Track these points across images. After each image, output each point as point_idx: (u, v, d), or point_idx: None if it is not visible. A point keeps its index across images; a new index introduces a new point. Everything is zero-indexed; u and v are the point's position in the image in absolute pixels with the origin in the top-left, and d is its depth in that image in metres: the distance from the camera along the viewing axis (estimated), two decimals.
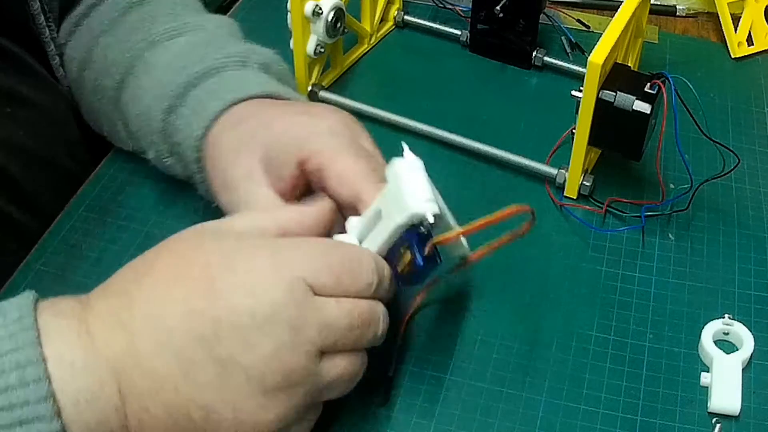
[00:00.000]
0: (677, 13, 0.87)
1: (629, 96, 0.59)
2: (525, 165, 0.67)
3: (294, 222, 0.48)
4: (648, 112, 0.59)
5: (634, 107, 0.59)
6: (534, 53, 0.78)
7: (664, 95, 0.59)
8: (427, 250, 0.47)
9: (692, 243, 0.62)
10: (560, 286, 0.59)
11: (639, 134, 0.60)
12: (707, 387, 0.53)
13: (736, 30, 0.82)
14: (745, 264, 0.61)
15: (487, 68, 0.79)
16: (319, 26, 0.69)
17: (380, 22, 0.82)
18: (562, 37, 0.82)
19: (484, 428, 0.51)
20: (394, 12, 0.84)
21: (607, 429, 0.51)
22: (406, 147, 0.49)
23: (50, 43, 0.65)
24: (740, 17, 0.82)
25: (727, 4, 0.82)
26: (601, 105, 0.59)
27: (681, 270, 0.60)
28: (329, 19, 0.69)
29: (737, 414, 0.51)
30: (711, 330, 0.55)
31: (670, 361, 0.54)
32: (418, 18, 0.84)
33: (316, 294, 0.44)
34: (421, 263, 0.47)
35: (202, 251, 0.45)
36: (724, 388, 0.52)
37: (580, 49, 0.81)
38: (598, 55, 0.57)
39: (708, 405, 0.52)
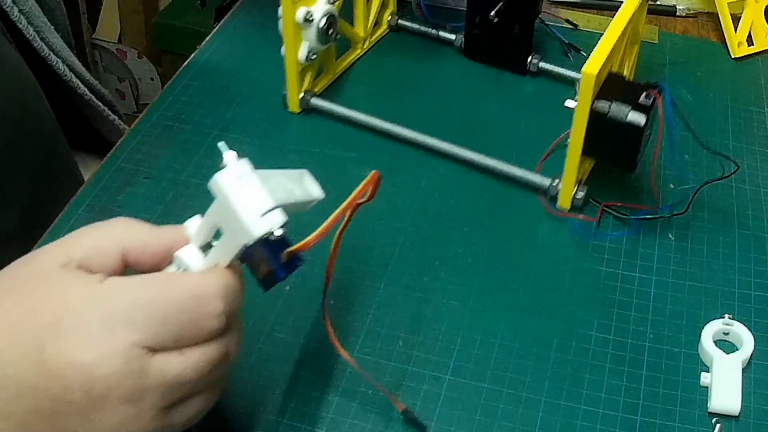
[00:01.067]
0: (677, 13, 0.87)
1: (624, 107, 0.58)
2: (518, 176, 0.66)
3: (139, 244, 0.44)
4: (642, 123, 0.58)
5: (628, 119, 0.58)
6: (529, 59, 0.77)
7: (660, 106, 0.58)
8: (284, 258, 0.42)
9: (692, 243, 0.62)
10: (560, 287, 0.59)
11: (633, 145, 0.60)
12: (707, 387, 0.53)
13: (736, 30, 0.82)
14: (745, 264, 0.61)
15: (482, 74, 0.78)
16: (311, 33, 0.68)
17: (374, 26, 0.81)
18: (557, 40, 0.81)
19: (484, 428, 0.51)
20: (387, 16, 0.83)
21: (607, 429, 0.51)
22: (224, 150, 0.42)
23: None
24: (740, 17, 0.82)
25: (727, 4, 0.82)
26: (595, 116, 0.58)
27: (681, 270, 0.60)
28: (321, 25, 0.68)
29: (737, 414, 0.51)
30: (711, 330, 0.55)
31: (670, 361, 0.54)
32: (413, 22, 0.83)
33: (156, 351, 0.40)
34: (282, 274, 0.42)
35: (29, 310, 0.40)
36: (724, 388, 0.52)
37: (575, 48, 0.81)
38: (593, 65, 0.56)
39: (708, 405, 0.52)
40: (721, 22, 0.82)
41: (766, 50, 0.83)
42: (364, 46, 0.81)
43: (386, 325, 0.56)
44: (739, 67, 0.81)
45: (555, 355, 0.55)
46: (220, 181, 0.41)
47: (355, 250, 0.61)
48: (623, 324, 0.57)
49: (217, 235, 0.43)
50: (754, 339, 0.54)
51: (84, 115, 0.79)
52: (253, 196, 0.41)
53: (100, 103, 0.79)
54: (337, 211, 0.44)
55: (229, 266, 0.43)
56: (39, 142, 0.69)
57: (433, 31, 0.81)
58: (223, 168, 0.42)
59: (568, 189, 0.63)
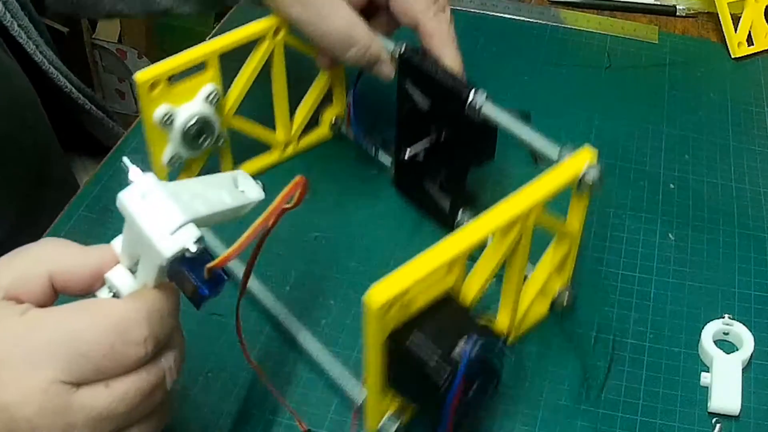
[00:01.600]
0: (677, 13, 0.87)
1: (429, 352, 0.42)
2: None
3: (66, 268, 0.42)
4: (440, 384, 0.42)
5: (427, 371, 0.42)
6: (458, 215, 0.60)
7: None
8: (206, 275, 0.40)
9: (692, 243, 0.62)
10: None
11: (434, 397, 0.42)
12: (707, 387, 0.53)
13: (736, 30, 0.82)
14: (745, 264, 0.61)
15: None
16: (174, 136, 0.56)
17: (309, 127, 0.67)
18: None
19: (484, 428, 0.51)
20: (331, 117, 0.68)
21: (607, 429, 0.51)
22: (128, 165, 0.41)
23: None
24: (740, 17, 0.82)
25: (727, 4, 0.82)
26: (392, 349, 0.43)
27: (681, 270, 0.60)
28: (185, 131, 0.56)
29: (737, 414, 0.51)
30: (711, 330, 0.55)
31: (670, 361, 0.54)
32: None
33: (80, 386, 0.39)
34: (206, 292, 0.40)
35: None
36: (724, 388, 0.52)
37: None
38: (380, 292, 0.39)
39: (708, 405, 0.52)
40: (721, 22, 0.82)
41: (766, 50, 0.83)
42: (286, 151, 0.66)
43: None
44: (739, 67, 0.81)
45: (555, 355, 0.55)
46: (124, 201, 0.39)
47: (354, 250, 0.61)
48: (623, 324, 0.57)
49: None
50: (754, 339, 0.54)
51: (80, 121, 0.79)
52: (160, 214, 0.39)
53: (99, 112, 0.79)
54: (260, 218, 0.41)
55: (160, 286, 0.41)
56: (32, 151, 0.70)
57: (372, 148, 0.66)
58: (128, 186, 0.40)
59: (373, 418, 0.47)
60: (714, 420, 0.51)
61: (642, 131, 0.72)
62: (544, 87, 0.77)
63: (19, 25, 0.69)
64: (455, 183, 0.58)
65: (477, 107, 0.53)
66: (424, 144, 0.57)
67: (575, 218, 0.51)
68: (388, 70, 0.57)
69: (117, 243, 0.42)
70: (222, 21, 0.85)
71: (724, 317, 0.56)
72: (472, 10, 0.86)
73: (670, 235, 0.63)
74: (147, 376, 0.40)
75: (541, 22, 0.85)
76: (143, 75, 0.53)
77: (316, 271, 0.59)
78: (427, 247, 0.42)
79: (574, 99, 0.76)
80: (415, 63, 0.56)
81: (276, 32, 0.59)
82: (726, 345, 0.55)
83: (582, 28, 0.84)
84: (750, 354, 0.54)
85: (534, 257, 0.50)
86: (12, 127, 0.67)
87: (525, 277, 0.51)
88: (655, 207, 0.65)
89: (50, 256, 0.42)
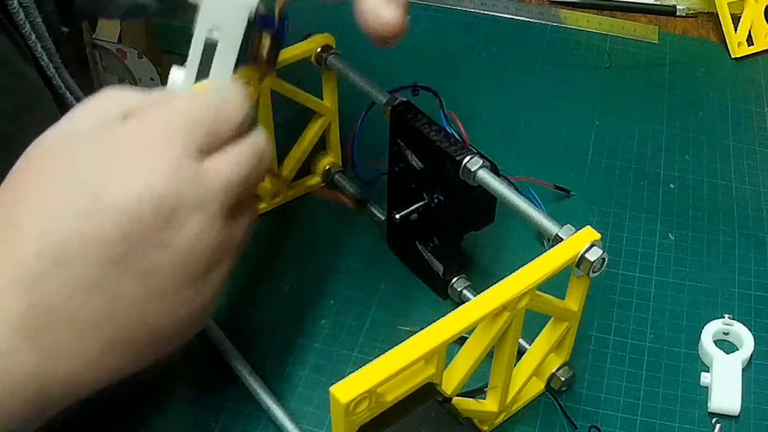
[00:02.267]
0: (677, 13, 0.87)
1: None
2: None
3: (139, 101, 0.44)
4: None
5: None
6: (451, 283, 0.56)
7: None
8: (277, 21, 0.45)
9: (692, 243, 0.62)
10: (559, 287, 0.59)
11: None
12: (707, 387, 0.53)
13: (736, 30, 0.82)
14: (745, 264, 0.61)
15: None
16: None
17: (301, 176, 0.64)
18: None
19: None
20: (324, 165, 0.64)
21: (607, 429, 0.51)
22: None
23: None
24: (740, 17, 0.82)
25: (727, 4, 0.82)
26: None
27: (681, 270, 0.60)
28: None
29: (737, 414, 0.51)
30: (711, 330, 0.55)
31: (670, 361, 0.54)
32: (351, 182, 0.64)
33: (203, 157, 0.41)
34: (283, 33, 0.46)
35: (65, 163, 0.40)
36: (724, 388, 0.52)
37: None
38: (347, 389, 0.38)
39: (708, 405, 0.52)
40: (721, 22, 0.82)
41: (766, 50, 0.83)
42: (274, 201, 0.63)
43: (386, 325, 0.56)
44: (739, 67, 0.81)
45: None
46: None
47: (354, 249, 0.61)
48: (623, 324, 0.57)
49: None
50: (754, 339, 0.54)
51: None
52: None
53: None
54: None
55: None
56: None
57: (368, 201, 0.63)
58: None
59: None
60: (714, 420, 0.51)
61: (642, 131, 0.72)
62: (544, 87, 0.77)
63: (42, 47, 0.70)
64: (450, 248, 0.55)
65: (472, 171, 0.50)
66: (416, 207, 0.54)
67: (574, 299, 0.48)
68: None
69: (174, 75, 0.45)
70: None
71: (724, 317, 0.56)
72: (472, 10, 0.86)
73: (670, 235, 0.63)
74: (250, 141, 0.43)
75: (541, 22, 0.85)
76: None
77: (316, 271, 0.59)
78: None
79: (574, 99, 0.76)
80: (409, 120, 0.53)
81: (261, 78, 0.56)
82: (726, 345, 0.55)
83: (582, 28, 0.84)
84: (750, 354, 0.54)
85: (535, 323, 0.48)
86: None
87: (521, 353, 0.49)
88: (655, 207, 0.65)
89: (121, 95, 0.43)
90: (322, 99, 0.61)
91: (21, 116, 0.58)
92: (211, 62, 0.45)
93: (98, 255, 0.38)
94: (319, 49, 0.58)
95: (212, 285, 0.42)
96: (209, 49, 0.45)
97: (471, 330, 0.42)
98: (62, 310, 0.38)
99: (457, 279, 0.56)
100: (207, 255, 0.40)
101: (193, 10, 0.56)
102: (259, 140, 0.43)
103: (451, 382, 0.43)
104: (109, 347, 0.39)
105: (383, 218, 0.61)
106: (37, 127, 0.48)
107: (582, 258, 0.44)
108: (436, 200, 0.53)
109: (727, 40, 0.82)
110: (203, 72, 0.45)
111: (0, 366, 0.37)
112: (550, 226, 0.46)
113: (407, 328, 0.55)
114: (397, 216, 0.54)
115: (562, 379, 0.51)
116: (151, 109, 0.41)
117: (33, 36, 0.67)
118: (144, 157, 0.39)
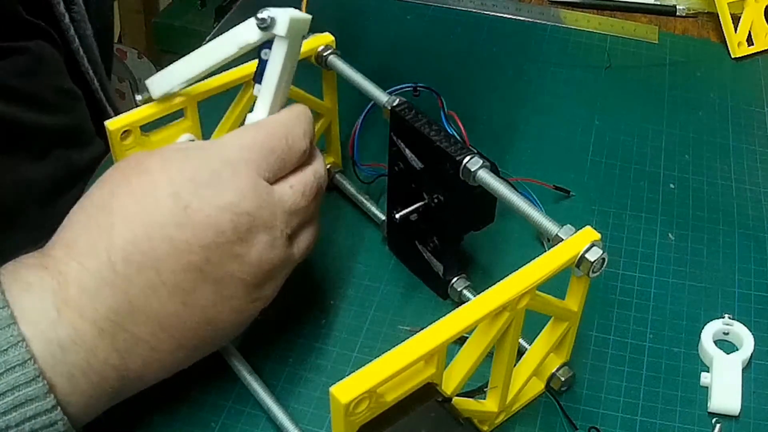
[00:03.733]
0: (677, 13, 0.87)
1: None
2: None
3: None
4: None
5: None
6: (451, 283, 0.56)
7: None
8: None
9: (692, 243, 0.62)
10: (559, 287, 0.59)
11: None
12: (707, 387, 0.53)
13: (736, 30, 0.82)
14: (745, 264, 0.61)
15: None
16: None
17: None
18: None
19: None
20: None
21: (607, 429, 0.51)
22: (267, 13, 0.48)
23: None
24: (740, 17, 0.82)
25: (727, 4, 0.82)
26: None
27: (681, 270, 0.60)
28: None
29: (737, 414, 0.51)
30: (711, 330, 0.55)
31: (670, 361, 0.54)
32: (352, 184, 0.64)
33: (272, 182, 0.46)
34: None
35: (159, 177, 0.44)
36: (724, 388, 0.52)
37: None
38: (347, 389, 0.37)
39: (708, 405, 0.52)
40: (721, 22, 0.82)
41: (766, 50, 0.83)
42: None
43: (386, 325, 0.56)
44: (739, 67, 0.81)
45: None
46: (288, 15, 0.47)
47: (354, 249, 0.61)
48: (623, 324, 0.57)
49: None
50: (754, 339, 0.54)
51: None
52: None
53: None
54: None
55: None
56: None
57: (367, 202, 0.63)
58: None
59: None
60: (714, 420, 0.51)
61: (642, 131, 0.72)
62: (544, 87, 0.77)
63: (88, 59, 0.70)
64: (450, 247, 0.55)
65: (472, 171, 0.49)
66: (416, 207, 0.54)
67: (574, 299, 0.48)
68: None
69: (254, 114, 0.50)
70: (221, 21, 0.85)
71: (724, 317, 0.56)
72: (472, 10, 0.86)
73: (670, 235, 0.63)
74: (313, 174, 0.48)
75: (541, 22, 0.85)
76: (114, 123, 0.50)
77: (316, 271, 0.59)
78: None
79: (574, 99, 0.76)
80: (409, 120, 0.53)
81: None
82: (726, 345, 0.55)
83: (582, 28, 0.84)
84: (750, 354, 0.54)
85: (534, 323, 0.48)
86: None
87: (521, 353, 0.49)
88: (655, 207, 0.65)
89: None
90: (322, 99, 0.61)
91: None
92: (279, 88, 0.49)
93: (182, 262, 0.43)
94: (319, 49, 0.58)
95: (268, 292, 0.47)
96: (283, 75, 0.49)
97: (471, 330, 0.42)
98: (142, 311, 0.42)
99: (457, 279, 0.56)
100: (269, 269, 0.46)
101: None
102: (319, 167, 0.49)
103: (451, 382, 0.43)
104: (177, 345, 0.44)
105: (383, 218, 0.61)
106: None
107: (582, 258, 0.44)
108: (436, 200, 0.53)
109: (727, 40, 0.82)
110: (276, 98, 0.49)
111: (89, 362, 0.41)
112: (550, 226, 0.46)
113: (407, 328, 0.55)
114: (397, 216, 0.54)
115: (562, 379, 0.51)
116: (233, 136, 0.47)
117: (81, 51, 0.67)
118: (228, 179, 0.44)
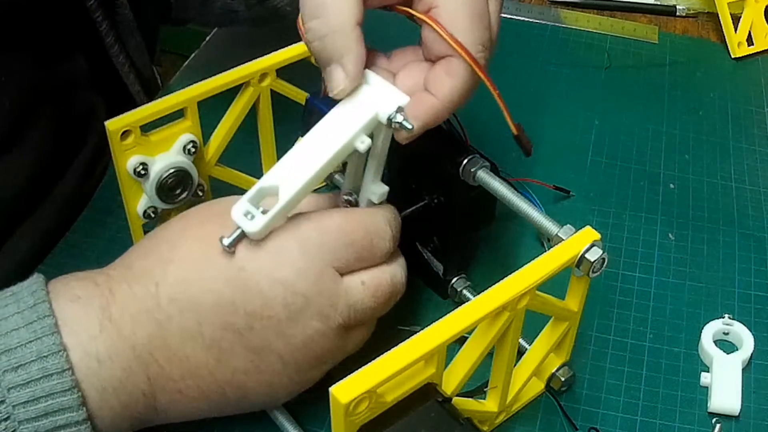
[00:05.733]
0: (677, 13, 0.87)
1: None
2: None
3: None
4: None
5: None
6: (451, 283, 0.56)
7: None
8: None
9: (692, 243, 0.62)
10: (560, 287, 0.59)
11: None
12: (707, 387, 0.53)
13: (736, 30, 0.82)
14: (745, 264, 0.61)
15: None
16: (148, 188, 0.53)
17: None
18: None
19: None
20: None
21: (607, 429, 0.51)
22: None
23: None
24: (740, 17, 0.82)
25: (727, 4, 0.82)
26: None
27: (681, 270, 0.60)
28: (159, 182, 0.53)
29: (737, 414, 0.51)
30: (711, 330, 0.55)
31: (670, 361, 0.54)
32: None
33: (343, 275, 0.44)
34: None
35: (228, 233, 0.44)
36: (724, 388, 0.52)
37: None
38: (347, 390, 0.37)
39: (708, 405, 0.52)
40: (721, 22, 0.82)
41: (766, 50, 0.83)
42: None
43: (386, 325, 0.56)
44: (739, 67, 0.81)
45: None
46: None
47: None
48: (623, 324, 0.57)
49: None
50: (754, 339, 0.54)
51: None
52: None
53: None
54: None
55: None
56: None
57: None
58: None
59: None
60: (714, 420, 0.51)
61: (642, 131, 0.72)
62: (544, 87, 0.77)
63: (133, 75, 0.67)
64: (450, 248, 0.55)
65: (472, 171, 0.50)
66: (416, 207, 0.54)
67: (574, 299, 0.48)
68: (339, 80, 0.43)
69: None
70: None
71: (724, 317, 0.56)
72: None
73: (670, 235, 0.63)
74: (390, 279, 0.46)
75: (541, 22, 0.85)
76: (114, 123, 0.50)
77: None
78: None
79: (574, 99, 0.76)
80: None
81: (262, 78, 0.56)
82: (726, 345, 0.55)
83: (582, 28, 0.84)
84: (750, 354, 0.54)
85: (535, 323, 0.48)
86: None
87: (521, 353, 0.49)
88: (655, 207, 0.65)
89: None
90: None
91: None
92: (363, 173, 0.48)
93: (224, 320, 0.42)
94: None
95: (310, 379, 0.46)
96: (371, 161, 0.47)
97: (471, 330, 0.42)
98: (175, 351, 0.42)
99: (457, 279, 0.56)
100: (315, 356, 0.44)
101: (282, 17, 0.53)
102: (398, 272, 0.47)
103: (451, 382, 0.43)
104: (203, 396, 0.44)
105: None
106: None
107: (582, 258, 0.44)
108: (436, 200, 0.53)
109: (727, 40, 0.82)
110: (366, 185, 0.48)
111: (122, 381, 0.42)
112: (550, 227, 0.46)
113: (407, 328, 0.55)
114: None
115: (562, 379, 0.51)
116: (318, 215, 0.45)
117: (126, 67, 0.66)
118: (291, 254, 0.43)
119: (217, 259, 0.43)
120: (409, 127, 0.43)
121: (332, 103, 0.45)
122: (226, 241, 0.43)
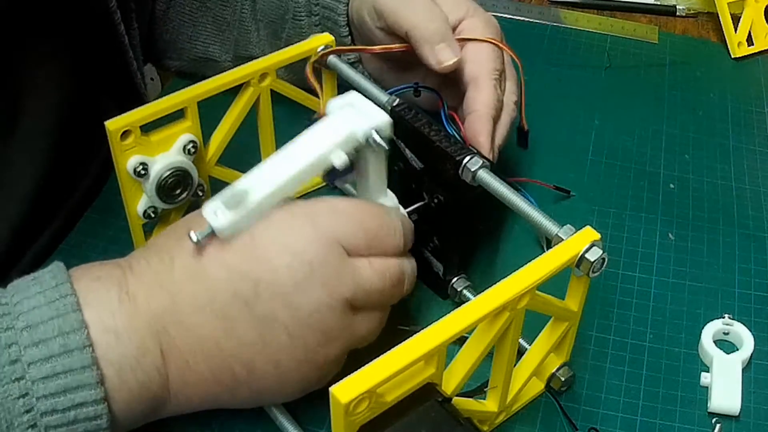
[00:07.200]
0: (677, 13, 0.87)
1: None
2: None
3: None
4: None
5: None
6: (451, 283, 0.56)
7: None
8: None
9: (692, 243, 0.62)
10: (560, 287, 0.59)
11: None
12: (707, 387, 0.53)
13: (736, 30, 0.82)
14: (745, 264, 0.61)
15: None
16: (148, 188, 0.53)
17: None
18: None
19: None
20: None
21: (607, 429, 0.51)
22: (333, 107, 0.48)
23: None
24: (740, 17, 0.82)
25: (727, 4, 0.82)
26: None
27: (681, 270, 0.60)
28: (159, 182, 0.53)
29: (737, 414, 0.51)
30: (711, 330, 0.55)
31: (670, 361, 0.54)
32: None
33: (351, 256, 0.45)
34: None
35: None
36: (724, 388, 0.52)
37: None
38: (347, 390, 0.37)
39: (708, 405, 0.52)
40: (721, 22, 0.82)
41: (766, 50, 0.83)
42: None
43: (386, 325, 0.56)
44: (739, 67, 0.81)
45: None
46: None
47: None
48: (623, 324, 0.57)
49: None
50: (754, 339, 0.54)
51: None
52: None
53: None
54: None
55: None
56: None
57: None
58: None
59: None
60: (714, 420, 0.51)
61: (642, 131, 0.72)
62: (544, 87, 0.77)
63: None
64: (450, 248, 0.55)
65: (472, 171, 0.50)
66: (416, 207, 0.54)
67: (574, 299, 0.48)
68: (449, 55, 0.56)
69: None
70: None
71: (724, 317, 0.56)
72: None
73: (670, 235, 0.63)
74: (397, 265, 0.47)
75: (541, 22, 0.85)
76: (114, 123, 0.50)
77: None
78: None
79: (574, 99, 0.76)
80: (408, 120, 0.52)
81: (262, 78, 0.56)
82: (726, 345, 0.55)
83: (582, 28, 0.84)
84: (750, 354, 0.54)
85: (535, 323, 0.48)
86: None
87: (521, 353, 0.49)
88: (655, 207, 0.65)
89: None
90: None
91: None
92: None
93: (232, 285, 0.43)
94: (319, 49, 0.58)
95: (320, 360, 0.45)
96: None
97: (471, 330, 0.42)
98: (184, 322, 0.43)
99: (457, 279, 0.56)
100: (321, 331, 0.44)
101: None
102: (407, 266, 0.48)
103: (451, 382, 0.43)
104: (211, 374, 0.44)
105: None
106: None
107: (582, 258, 0.44)
108: (436, 200, 0.53)
109: (727, 40, 0.82)
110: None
111: (138, 359, 0.42)
112: (550, 227, 0.46)
113: (407, 328, 0.55)
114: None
115: (562, 379, 0.51)
116: (330, 198, 0.47)
117: (139, 76, 0.66)
118: (301, 226, 0.44)
119: (232, 236, 0.44)
120: (385, 147, 0.46)
121: None
122: (194, 236, 0.44)
